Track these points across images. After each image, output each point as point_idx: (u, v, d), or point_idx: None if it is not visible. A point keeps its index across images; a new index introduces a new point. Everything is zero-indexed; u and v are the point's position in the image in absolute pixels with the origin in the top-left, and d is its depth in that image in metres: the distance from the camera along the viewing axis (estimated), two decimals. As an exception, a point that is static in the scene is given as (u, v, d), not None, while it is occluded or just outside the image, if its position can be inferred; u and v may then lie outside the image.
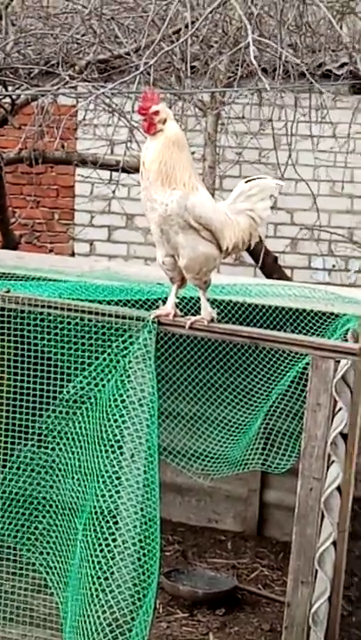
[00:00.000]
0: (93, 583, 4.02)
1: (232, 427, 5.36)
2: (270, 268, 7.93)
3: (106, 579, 4.07)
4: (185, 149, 3.90)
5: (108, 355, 4.15)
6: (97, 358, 4.19)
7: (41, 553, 4.42)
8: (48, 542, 4.39)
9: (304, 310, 4.89)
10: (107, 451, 4.10)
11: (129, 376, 4.13)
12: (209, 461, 5.46)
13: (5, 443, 4.46)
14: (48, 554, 4.39)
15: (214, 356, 5.48)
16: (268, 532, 6.40)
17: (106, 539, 4.04)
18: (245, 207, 4.06)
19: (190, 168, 3.91)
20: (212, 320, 4.06)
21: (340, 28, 6.95)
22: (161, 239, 3.93)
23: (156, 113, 3.84)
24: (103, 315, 4.15)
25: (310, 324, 4.83)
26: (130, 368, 4.12)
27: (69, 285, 4.55)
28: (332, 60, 8.11)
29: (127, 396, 4.10)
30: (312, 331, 4.73)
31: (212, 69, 6.72)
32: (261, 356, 5.17)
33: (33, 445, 4.45)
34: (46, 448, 4.41)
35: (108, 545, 4.04)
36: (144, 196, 3.90)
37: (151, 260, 9.14)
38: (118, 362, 4.13)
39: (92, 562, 4.04)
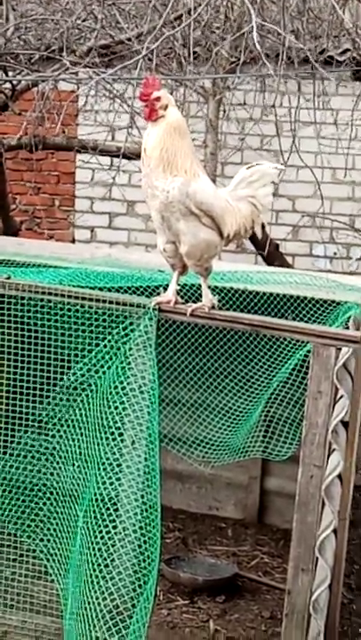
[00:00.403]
0: (94, 570, 4.02)
1: (233, 414, 5.35)
2: (272, 255, 7.91)
3: (106, 566, 4.07)
4: (186, 136, 3.88)
5: (109, 342, 4.14)
6: (97, 345, 4.18)
7: (41, 540, 4.42)
8: (49, 529, 4.40)
9: (305, 298, 4.87)
10: (107, 438, 4.09)
11: (130, 363, 4.12)
12: (210, 449, 5.45)
13: (6, 430, 4.45)
14: (49, 541, 4.39)
15: (215, 344, 5.47)
16: (269, 520, 6.40)
17: (106, 526, 4.04)
18: (247, 194, 4.05)
19: (192, 155, 3.89)
20: (213, 307, 4.05)
21: (343, 13, 6.90)
22: (162, 226, 3.91)
23: (158, 99, 3.82)
24: (104, 302, 4.14)
25: (312, 312, 4.81)
26: (130, 355, 4.12)
27: (70, 272, 4.54)
28: (335, 46, 8.07)
29: (128, 383, 4.09)
30: (313, 318, 4.72)
31: (215, 55, 6.68)
32: (263, 344, 5.16)
33: (34, 432, 4.44)
34: (47, 435, 4.40)
35: (108, 532, 4.04)
36: (145, 182, 3.88)
37: (152, 247, 9.12)
38: (119, 349, 4.13)
39: (93, 549, 4.04)
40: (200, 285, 4.11)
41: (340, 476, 4.15)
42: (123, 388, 4.09)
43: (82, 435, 4.21)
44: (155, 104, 3.82)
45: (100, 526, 4.04)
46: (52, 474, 4.42)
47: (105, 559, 4.07)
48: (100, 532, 4.04)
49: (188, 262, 3.98)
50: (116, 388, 4.09)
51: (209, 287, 4.08)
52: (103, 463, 4.11)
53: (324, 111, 7.79)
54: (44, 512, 4.41)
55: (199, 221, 3.89)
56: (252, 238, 7.86)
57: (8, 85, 7.25)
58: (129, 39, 6.79)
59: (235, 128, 8.49)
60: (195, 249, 3.92)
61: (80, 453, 4.22)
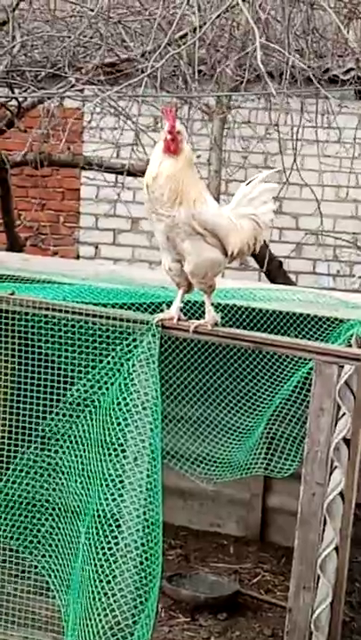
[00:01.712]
0: (95, 586, 4.02)
1: (235, 431, 5.35)
2: (275, 272, 7.93)
3: (108, 582, 4.06)
4: (194, 168, 3.97)
5: (112, 358, 4.15)
6: (101, 361, 4.19)
7: (43, 556, 4.41)
8: (50, 545, 4.39)
9: (308, 315, 4.88)
10: (110, 454, 4.10)
11: (132, 379, 4.13)
12: (212, 465, 5.45)
13: (9, 445, 4.46)
14: (50, 557, 4.39)
15: (218, 361, 5.48)
16: (271, 537, 6.39)
17: (108, 542, 4.04)
18: (249, 212, 4.08)
19: (200, 184, 3.98)
20: (215, 324, 4.07)
21: (347, 33, 6.95)
22: (166, 246, 3.94)
23: (179, 133, 3.85)
24: (107, 318, 4.15)
25: (314, 329, 4.82)
26: (133, 371, 4.13)
27: (74, 288, 4.55)
28: (339, 65, 8.12)
29: (130, 400, 4.10)
30: (316, 336, 4.73)
31: (219, 73, 6.72)
32: (265, 361, 5.16)
33: (36, 448, 4.45)
34: (50, 451, 4.41)
35: (110, 548, 4.04)
36: (149, 207, 3.90)
37: (156, 264, 9.13)
38: (122, 365, 4.14)
39: (95, 565, 4.04)
40: (203, 302, 4.12)
41: (341, 494, 4.15)
42: (125, 405, 4.10)
43: (84, 451, 4.22)
44: (179, 137, 3.84)
45: (101, 542, 4.05)
46: (54, 490, 4.42)
47: (106, 575, 4.06)
48: (102, 548, 4.04)
49: (192, 280, 4.01)
50: (118, 404, 4.10)
51: (212, 304, 4.10)
52: (105, 479, 4.12)
53: (328, 129, 7.83)
54: (45, 528, 4.41)
55: (204, 241, 3.92)
56: (256, 256, 7.88)
57: (14, 102, 7.29)
58: (134, 57, 6.83)
59: (239, 146, 8.52)
60: (199, 267, 3.95)
61: (82, 469, 4.23)
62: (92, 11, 6.72)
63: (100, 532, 4.05)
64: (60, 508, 4.37)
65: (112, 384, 4.16)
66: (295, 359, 4.86)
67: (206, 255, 3.94)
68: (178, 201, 3.82)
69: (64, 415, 4.33)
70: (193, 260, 3.92)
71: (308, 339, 4.64)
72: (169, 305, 4.19)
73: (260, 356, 5.19)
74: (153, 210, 3.88)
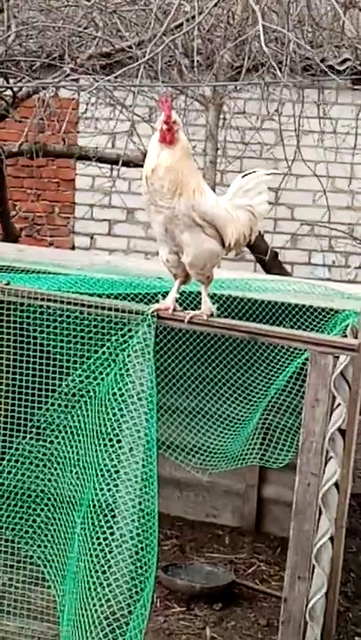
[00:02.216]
0: (91, 576, 4.02)
1: (230, 421, 5.36)
2: (270, 263, 7.92)
3: (103, 572, 4.07)
4: (192, 158, 3.95)
5: (108, 348, 4.15)
6: (96, 352, 4.18)
7: (39, 546, 4.42)
8: (46, 535, 4.39)
9: (304, 306, 4.88)
10: (105, 444, 4.10)
11: (128, 370, 4.13)
12: (207, 456, 5.45)
13: (4, 435, 4.46)
14: (46, 547, 4.39)
15: (213, 351, 5.48)
16: (266, 528, 6.40)
17: (104, 532, 4.04)
18: (244, 203, 4.09)
19: (198, 174, 3.98)
20: (211, 315, 4.07)
21: (344, 22, 6.93)
22: (165, 237, 3.94)
23: (175, 123, 3.83)
24: (103, 308, 4.15)
25: (310, 320, 4.82)
26: (129, 362, 4.12)
27: (69, 279, 4.55)
28: (335, 55, 8.10)
29: (126, 390, 4.10)
30: (311, 326, 4.73)
31: (218, 61, 6.70)
32: (260, 352, 5.17)
33: (32, 438, 4.45)
34: (45, 441, 4.41)
35: (105, 538, 4.04)
36: (148, 199, 3.89)
37: (152, 255, 9.13)
38: (117, 355, 4.13)
39: (90, 555, 4.04)
40: (199, 293, 4.12)
41: (336, 484, 4.16)
42: (121, 395, 4.10)
43: (80, 441, 4.22)
44: (175, 128, 3.83)
45: (97, 533, 4.05)
46: (49, 480, 4.42)
47: (102, 566, 4.07)
48: (98, 538, 4.04)
49: (190, 271, 4.01)
50: (114, 394, 4.10)
51: (208, 295, 4.10)
52: (101, 470, 4.12)
53: (324, 120, 7.82)
54: (41, 518, 4.41)
55: (203, 232, 3.93)
56: (251, 246, 7.87)
57: (9, 92, 7.26)
58: (130, 47, 6.81)
59: (235, 136, 8.51)
60: (198, 259, 3.95)
61: (78, 460, 4.23)
62: (88, 0, 6.70)
63: (96, 523, 4.05)
64: (55, 499, 4.37)
65: (107, 374, 4.16)
66: (290, 350, 4.86)
67: (205, 246, 3.94)
68: (178, 192, 3.82)
69: (59, 405, 4.33)
70: (192, 251, 3.93)
71: (304, 329, 4.64)
72: (164, 295, 4.18)
73: (256, 346, 5.19)
74: (152, 201, 3.88)
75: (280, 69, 6.01)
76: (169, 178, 3.81)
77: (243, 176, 4.15)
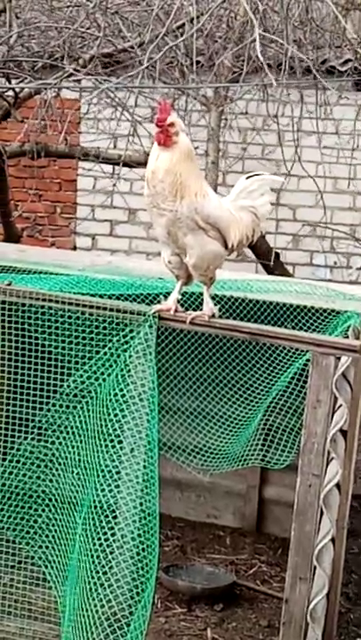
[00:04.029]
0: (92, 577, 4.02)
1: (232, 422, 5.36)
2: (272, 264, 7.92)
3: (104, 573, 4.07)
4: (194, 159, 3.94)
5: (109, 349, 4.15)
6: (97, 352, 4.18)
7: (40, 546, 4.42)
8: (47, 536, 4.39)
9: (305, 307, 4.88)
10: (107, 445, 4.10)
11: (129, 370, 4.12)
12: (208, 457, 5.46)
13: (6, 436, 4.46)
14: (47, 547, 4.39)
15: (215, 352, 5.48)
16: (267, 529, 6.40)
17: (105, 533, 4.04)
18: (248, 204, 4.09)
19: (201, 176, 3.97)
20: (213, 316, 4.07)
21: (346, 23, 6.93)
22: (167, 240, 3.94)
23: (172, 125, 3.82)
24: (104, 309, 4.15)
25: (311, 321, 4.82)
26: (130, 362, 4.12)
27: (71, 279, 4.55)
28: (337, 56, 8.11)
29: (127, 391, 4.10)
30: (313, 327, 4.73)
31: (218, 65, 6.70)
32: (262, 352, 5.17)
33: (33, 439, 4.45)
34: (46, 442, 4.41)
35: (107, 539, 4.04)
36: (150, 202, 3.89)
37: (153, 255, 9.14)
38: (119, 356, 4.13)
39: (91, 556, 4.04)
40: (201, 294, 4.12)
41: (338, 485, 4.16)
42: (122, 396, 4.09)
43: (81, 442, 4.22)
44: (170, 130, 3.82)
45: (98, 533, 4.05)
46: (51, 481, 4.42)
47: (103, 566, 4.07)
48: (99, 539, 4.04)
49: (194, 273, 4.01)
50: (115, 395, 4.10)
51: (209, 296, 4.10)
52: (102, 470, 4.12)
53: (326, 121, 7.82)
54: (42, 519, 4.41)
55: (206, 234, 3.93)
56: (253, 247, 7.88)
57: (11, 93, 7.27)
58: (132, 47, 6.81)
59: (237, 137, 8.52)
60: (202, 260, 3.96)
61: (79, 460, 4.22)
62: (90, 1, 6.70)
63: (97, 523, 4.05)
64: (56, 499, 4.37)
65: (109, 375, 4.16)
66: (292, 350, 4.86)
67: (209, 248, 3.94)
68: (179, 195, 3.81)
69: (61, 406, 4.33)
70: (196, 253, 3.93)
71: (305, 330, 4.64)
72: (166, 296, 4.18)
73: (257, 347, 5.19)
74: (154, 204, 3.87)
75: (282, 70, 6.01)
76: (169, 180, 3.81)
77: (246, 177, 4.15)
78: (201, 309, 4.09)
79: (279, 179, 4.18)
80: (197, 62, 6.62)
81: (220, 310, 4.16)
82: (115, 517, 4.12)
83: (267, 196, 4.12)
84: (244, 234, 4.07)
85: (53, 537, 4.36)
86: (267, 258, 7.63)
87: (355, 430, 4.18)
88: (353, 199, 9.36)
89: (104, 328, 4.17)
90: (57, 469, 4.37)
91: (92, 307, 4.18)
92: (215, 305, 4.12)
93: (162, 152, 3.83)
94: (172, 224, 3.87)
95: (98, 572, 4.04)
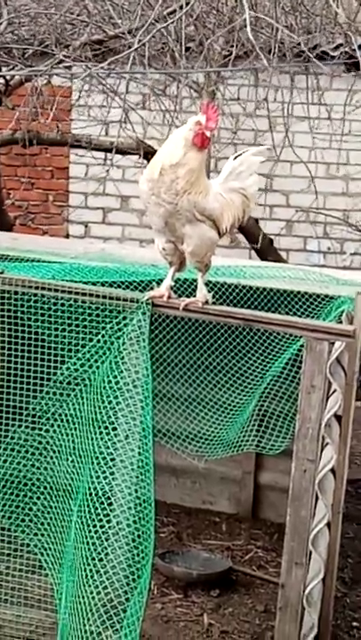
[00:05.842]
0: (88, 564, 4.02)
1: (226, 408, 5.36)
2: (265, 250, 7.92)
3: (100, 560, 4.07)
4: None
5: (102, 336, 4.14)
6: (91, 340, 4.18)
7: (36, 534, 4.41)
8: (43, 523, 4.39)
9: (299, 292, 4.88)
10: (101, 432, 4.09)
11: (123, 358, 4.12)
12: (203, 443, 5.46)
13: (0, 424, 4.45)
14: (43, 535, 4.39)
15: (209, 338, 5.48)
16: (263, 514, 6.41)
17: (100, 520, 4.04)
18: (237, 186, 4.10)
19: (205, 171, 3.99)
20: (206, 302, 4.06)
21: (336, 8, 6.90)
22: (164, 229, 3.93)
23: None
24: (97, 296, 4.14)
25: (305, 306, 4.82)
26: (124, 350, 4.12)
27: (63, 267, 4.54)
28: (328, 41, 8.08)
29: (121, 378, 4.09)
30: (307, 313, 4.73)
31: (207, 48, 6.67)
32: (256, 338, 5.16)
33: (27, 427, 4.44)
34: (40, 430, 4.40)
35: (102, 526, 4.04)
36: (150, 187, 3.85)
37: (146, 242, 9.12)
38: (112, 343, 4.13)
39: (87, 543, 4.04)
40: (194, 280, 4.12)
41: (333, 470, 4.16)
42: (116, 383, 4.09)
43: (75, 429, 4.21)
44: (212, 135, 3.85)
45: (94, 521, 4.05)
46: (45, 468, 4.42)
47: (99, 553, 4.07)
48: (95, 526, 4.04)
49: (191, 260, 4.02)
50: (109, 382, 4.09)
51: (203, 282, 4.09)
52: (97, 458, 4.11)
53: (319, 106, 7.81)
54: (37, 506, 4.41)
55: (203, 224, 3.93)
56: (246, 233, 7.87)
57: (1, 80, 7.24)
58: (122, 34, 6.78)
59: (228, 123, 8.49)
60: (200, 248, 3.97)
61: (74, 448, 4.22)
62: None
63: (92, 510, 4.05)
64: (51, 487, 4.37)
65: (102, 362, 4.15)
66: (286, 336, 4.86)
67: (207, 236, 3.97)
68: (187, 192, 3.81)
69: (54, 394, 4.33)
70: (194, 242, 3.94)
71: (299, 316, 4.63)
72: (159, 283, 4.18)
73: (251, 333, 5.19)
74: (155, 192, 3.85)
75: (273, 55, 5.99)
76: (187, 179, 3.81)
77: (234, 158, 4.14)
78: (194, 296, 4.08)
79: (264, 149, 4.20)
80: (188, 49, 6.60)
81: (213, 297, 4.15)
82: (110, 504, 4.12)
83: (254, 175, 4.12)
84: (235, 216, 4.08)
85: (49, 524, 4.36)
86: (257, 241, 7.62)
87: (349, 415, 4.18)
88: (346, 184, 9.35)
89: (97, 315, 4.16)
90: (52, 457, 4.37)
91: (85, 294, 4.17)
92: (209, 291, 4.11)
93: (191, 150, 3.81)
94: (169, 215, 3.87)
95: (94, 559, 4.04)
